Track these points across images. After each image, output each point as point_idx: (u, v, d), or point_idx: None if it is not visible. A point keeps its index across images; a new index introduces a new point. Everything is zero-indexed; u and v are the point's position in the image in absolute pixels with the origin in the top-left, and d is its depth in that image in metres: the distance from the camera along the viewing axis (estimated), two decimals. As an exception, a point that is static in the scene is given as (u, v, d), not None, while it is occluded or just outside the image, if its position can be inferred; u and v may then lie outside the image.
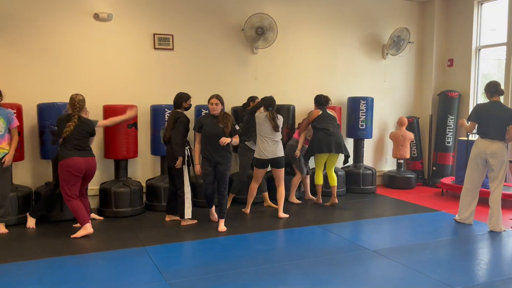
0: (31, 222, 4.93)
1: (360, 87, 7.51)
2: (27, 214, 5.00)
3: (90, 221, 4.68)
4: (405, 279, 3.59)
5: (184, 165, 4.97)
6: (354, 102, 7.17)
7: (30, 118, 5.44)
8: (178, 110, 5.10)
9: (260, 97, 5.77)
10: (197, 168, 5.01)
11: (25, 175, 5.59)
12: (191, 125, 5.18)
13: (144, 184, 5.92)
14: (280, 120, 5.44)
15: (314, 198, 6.35)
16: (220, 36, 6.57)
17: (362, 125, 7.10)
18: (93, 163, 4.74)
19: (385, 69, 7.74)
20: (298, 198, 6.30)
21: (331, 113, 6.00)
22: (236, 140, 4.99)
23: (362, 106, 7.09)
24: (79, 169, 4.57)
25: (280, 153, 5.41)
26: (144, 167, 6.25)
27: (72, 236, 4.56)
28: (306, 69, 7.17)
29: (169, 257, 4.09)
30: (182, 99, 5.11)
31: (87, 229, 4.59)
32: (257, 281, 3.50)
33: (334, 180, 6.00)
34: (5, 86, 5.15)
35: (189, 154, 5.03)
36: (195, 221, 5.13)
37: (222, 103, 5.00)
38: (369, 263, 3.97)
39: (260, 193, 6.00)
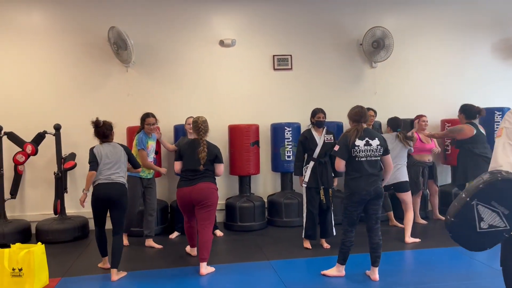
0: (174, 234, 5.45)
1: (494, 97, 6.83)
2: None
3: (195, 247, 4.61)
4: None
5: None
6: (487, 114, 6.53)
7: (167, 138, 6.04)
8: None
9: (380, 111, 5.63)
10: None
11: (163, 190, 6.20)
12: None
13: (265, 200, 6.14)
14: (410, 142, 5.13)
15: (443, 218, 5.89)
16: (337, 52, 6.59)
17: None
18: (200, 190, 4.15)
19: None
20: (424, 218, 5.92)
21: (482, 131, 5.18)
22: None
23: (496, 117, 6.42)
24: (183, 200, 4.26)
25: (403, 177, 5.04)
26: (265, 183, 6.48)
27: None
28: (430, 79, 6.79)
29: (294, 272, 4.15)
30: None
31: (191, 252, 4.68)
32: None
33: None
34: (145, 110, 5.84)
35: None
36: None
37: None
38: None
39: (384, 212, 5.80)
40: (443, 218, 5.84)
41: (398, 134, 5.14)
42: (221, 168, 4.32)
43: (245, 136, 5.89)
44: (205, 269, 4.11)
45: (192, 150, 4.25)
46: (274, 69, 6.46)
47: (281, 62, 6.45)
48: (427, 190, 5.98)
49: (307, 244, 4.83)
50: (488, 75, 6.89)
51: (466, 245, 2.27)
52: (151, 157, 5.07)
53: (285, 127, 6.03)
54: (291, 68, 6.49)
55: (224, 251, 4.88)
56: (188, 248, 4.78)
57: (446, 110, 6.57)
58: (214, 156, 4.26)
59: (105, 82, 6.09)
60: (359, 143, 3.71)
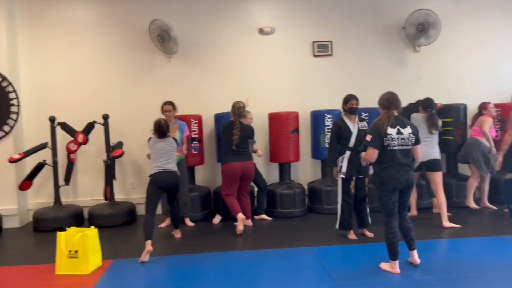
0: (216, 219, 5.60)
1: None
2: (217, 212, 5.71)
3: (241, 213, 5.12)
4: None
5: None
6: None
7: (208, 127, 6.19)
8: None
9: (423, 96, 5.48)
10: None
11: (206, 177, 6.38)
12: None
13: (306, 187, 6.17)
14: (439, 121, 5.17)
15: (492, 207, 5.71)
16: (378, 37, 6.46)
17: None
18: (250, 167, 5.24)
19: None
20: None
21: None
22: None
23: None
24: (235, 173, 5.15)
25: (436, 155, 5.07)
26: (305, 171, 6.51)
27: (235, 224, 5.14)
28: (477, 63, 6.52)
29: (336, 258, 4.19)
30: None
31: (240, 218, 5.06)
32: (429, 291, 3.35)
33: None
34: (187, 99, 6.04)
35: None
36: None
37: None
38: None
39: (429, 198, 5.72)
40: (492, 206, 5.70)
41: (430, 114, 5.15)
42: (253, 146, 5.32)
43: (285, 124, 5.93)
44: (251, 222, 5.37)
45: (229, 130, 5.19)
46: (314, 55, 6.42)
47: (321, 49, 6.40)
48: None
49: (352, 235, 4.74)
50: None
51: None
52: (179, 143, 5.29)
53: (325, 114, 6.00)
54: (331, 54, 6.42)
55: (265, 236, 4.98)
56: (216, 220, 5.56)
57: (493, 95, 6.30)
58: (251, 134, 5.26)
59: (149, 73, 6.29)
60: (391, 131, 3.63)
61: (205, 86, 6.34)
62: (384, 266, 3.81)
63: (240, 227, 5.01)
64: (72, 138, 5.77)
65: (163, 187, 4.55)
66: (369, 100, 5.85)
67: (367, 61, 6.45)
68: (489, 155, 5.55)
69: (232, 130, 5.18)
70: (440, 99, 5.87)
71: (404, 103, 5.89)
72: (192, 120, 5.89)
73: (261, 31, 6.33)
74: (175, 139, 4.76)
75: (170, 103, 5.41)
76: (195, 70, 6.34)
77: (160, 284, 3.84)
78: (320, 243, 4.62)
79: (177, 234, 5.04)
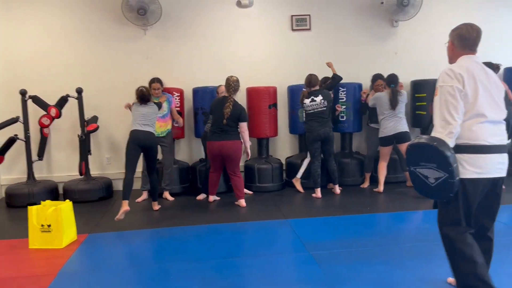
0: (201, 196, 5.57)
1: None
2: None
3: (212, 196, 5.31)
4: None
5: None
6: (509, 73, 6.35)
7: (188, 101, 6.11)
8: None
9: (400, 72, 5.55)
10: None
11: (184, 151, 6.34)
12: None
13: (284, 162, 6.21)
14: (403, 96, 5.36)
15: None
16: (356, 12, 6.43)
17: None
18: (229, 146, 4.92)
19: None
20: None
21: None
22: None
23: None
24: (212, 152, 5.02)
25: (403, 128, 5.29)
26: (283, 145, 6.54)
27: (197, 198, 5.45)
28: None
29: (311, 230, 4.25)
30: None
31: (210, 199, 5.28)
32: (403, 259, 3.44)
33: None
34: (165, 73, 5.94)
35: None
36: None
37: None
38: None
39: (403, 172, 5.85)
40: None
41: (393, 89, 5.34)
42: (243, 126, 4.98)
43: (263, 99, 5.91)
44: (244, 202, 5.09)
45: (220, 106, 4.94)
46: (293, 29, 6.37)
47: (300, 23, 6.34)
48: None
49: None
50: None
51: (438, 197, 2.51)
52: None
53: (303, 89, 5.97)
54: (309, 29, 6.38)
55: (244, 210, 5.02)
56: (201, 196, 5.49)
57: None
58: (238, 114, 4.91)
59: (124, 46, 6.13)
60: (306, 101, 5.32)
61: (182, 59, 6.23)
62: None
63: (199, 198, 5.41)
64: (44, 112, 5.62)
65: (140, 144, 4.66)
66: (347, 74, 5.92)
67: (345, 36, 6.44)
68: None
69: (224, 105, 4.93)
70: (415, 74, 5.94)
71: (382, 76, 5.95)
72: (174, 93, 5.81)
73: (239, 4, 6.21)
74: (156, 103, 4.91)
75: (158, 80, 5.41)
76: (172, 43, 6.21)
77: (137, 256, 3.84)
78: (297, 216, 4.70)
79: (155, 206, 5.05)
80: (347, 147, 6.29)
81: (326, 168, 5.56)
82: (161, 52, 6.19)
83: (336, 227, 4.31)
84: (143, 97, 4.76)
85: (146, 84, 5.37)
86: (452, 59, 2.61)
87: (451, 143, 2.36)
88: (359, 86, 6.13)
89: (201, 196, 5.56)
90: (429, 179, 2.42)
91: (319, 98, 5.27)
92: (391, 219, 4.60)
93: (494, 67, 5.22)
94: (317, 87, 5.39)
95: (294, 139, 6.48)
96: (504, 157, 2.45)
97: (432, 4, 6.40)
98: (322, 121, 5.29)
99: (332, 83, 5.70)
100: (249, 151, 5.10)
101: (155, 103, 4.90)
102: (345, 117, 6.02)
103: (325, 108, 5.28)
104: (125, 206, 4.47)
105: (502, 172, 2.45)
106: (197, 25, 6.23)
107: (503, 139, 2.45)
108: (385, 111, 5.34)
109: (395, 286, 2.98)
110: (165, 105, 5.34)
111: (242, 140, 5.03)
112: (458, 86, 2.37)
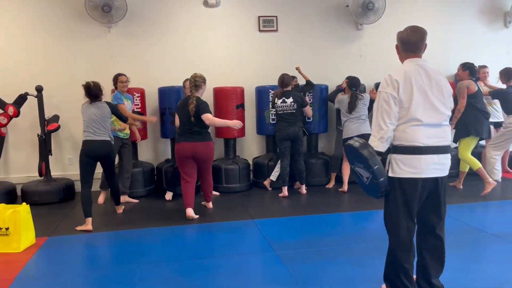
0: (168, 195, 5.47)
1: (479, 59, 6.87)
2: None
3: (189, 208, 4.62)
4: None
5: None
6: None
7: (152, 101, 6.00)
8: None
9: (365, 74, 5.67)
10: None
11: (148, 152, 6.22)
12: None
13: (251, 162, 6.20)
14: (364, 99, 5.51)
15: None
16: (323, 14, 6.52)
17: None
18: (202, 148, 4.55)
19: (509, 39, 7.01)
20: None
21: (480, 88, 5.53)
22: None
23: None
24: (183, 154, 4.57)
25: (365, 130, 5.37)
26: (250, 146, 6.54)
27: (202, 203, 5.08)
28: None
29: (277, 230, 4.28)
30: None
31: (187, 213, 4.60)
32: (368, 258, 3.51)
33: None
34: (129, 72, 5.77)
35: None
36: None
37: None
38: (486, 246, 3.73)
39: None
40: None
41: (353, 93, 5.51)
42: (208, 117, 4.47)
43: (230, 99, 5.89)
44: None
45: (185, 105, 4.57)
46: (260, 30, 6.38)
47: (267, 24, 6.36)
48: None
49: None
50: (472, 38, 6.92)
51: (372, 194, 2.59)
52: None
53: (270, 90, 6.02)
54: (276, 30, 6.41)
55: (210, 210, 4.98)
56: (168, 196, 5.41)
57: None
58: (198, 107, 4.47)
59: (87, 44, 5.96)
60: (277, 101, 5.44)
61: (147, 58, 6.11)
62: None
63: (189, 215, 4.62)
64: (1, 111, 5.38)
65: (94, 156, 4.31)
66: (313, 76, 5.99)
67: (312, 37, 6.51)
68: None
69: (187, 105, 4.53)
70: (380, 77, 6.02)
71: (344, 78, 6.06)
72: (134, 93, 5.68)
73: (205, 3, 6.17)
74: (109, 104, 4.46)
75: (124, 74, 5.22)
76: (137, 42, 6.09)
77: (99, 260, 3.74)
78: (263, 216, 4.70)
79: (119, 209, 4.92)
80: (313, 148, 6.36)
81: (294, 168, 5.61)
82: (126, 51, 6.05)
83: (302, 227, 4.36)
84: (90, 91, 4.24)
85: (111, 83, 5.25)
86: (401, 62, 2.65)
87: (382, 148, 2.45)
88: (326, 87, 6.21)
89: (169, 195, 5.46)
90: (363, 177, 2.53)
91: (289, 100, 5.38)
92: (355, 218, 4.68)
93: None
94: (289, 88, 5.49)
95: (262, 140, 6.49)
96: (442, 158, 2.48)
97: (397, 7, 6.57)
98: (291, 122, 5.40)
99: (309, 89, 5.92)
100: (235, 122, 4.63)
101: (107, 103, 4.44)
102: (311, 119, 6.09)
103: (294, 111, 5.39)
104: (89, 225, 4.25)
105: (439, 172, 2.48)
106: (163, 23, 6.13)
107: (441, 141, 2.48)
108: (347, 114, 5.47)
109: (360, 284, 3.03)
110: (128, 104, 5.20)
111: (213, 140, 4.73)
112: (392, 93, 2.43)
